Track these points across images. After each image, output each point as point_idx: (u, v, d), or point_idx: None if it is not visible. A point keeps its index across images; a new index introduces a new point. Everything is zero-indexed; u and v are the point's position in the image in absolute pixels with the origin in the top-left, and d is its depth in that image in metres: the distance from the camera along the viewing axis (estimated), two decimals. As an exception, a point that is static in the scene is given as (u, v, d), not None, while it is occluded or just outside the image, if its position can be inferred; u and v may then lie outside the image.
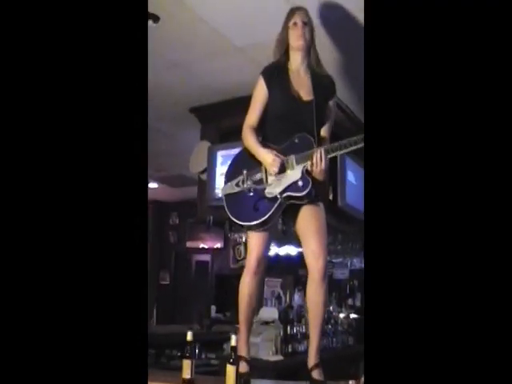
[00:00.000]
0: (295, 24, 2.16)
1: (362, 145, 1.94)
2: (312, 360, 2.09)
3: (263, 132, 2.23)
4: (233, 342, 1.86)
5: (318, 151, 2.03)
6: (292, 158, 2.10)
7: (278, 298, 3.64)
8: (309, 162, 2.04)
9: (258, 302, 2.24)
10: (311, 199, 2.12)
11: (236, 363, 1.84)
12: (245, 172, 2.16)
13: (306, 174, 2.07)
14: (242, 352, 2.13)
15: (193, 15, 2.77)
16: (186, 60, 3.29)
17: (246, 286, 2.16)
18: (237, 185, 2.17)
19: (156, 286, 7.06)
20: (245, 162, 2.21)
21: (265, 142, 2.18)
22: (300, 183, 2.08)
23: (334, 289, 4.40)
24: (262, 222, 2.09)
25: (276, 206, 2.09)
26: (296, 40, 2.17)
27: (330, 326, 3.80)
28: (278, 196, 2.09)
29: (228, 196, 2.20)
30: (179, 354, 4.26)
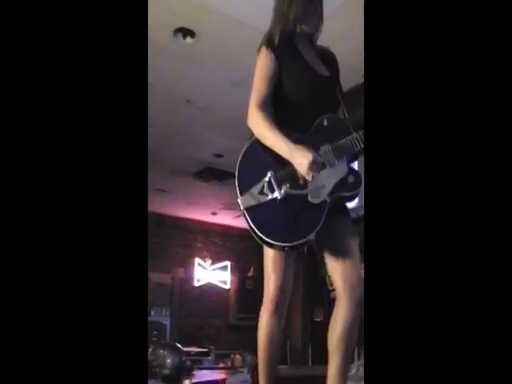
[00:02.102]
0: (311, 1, 1.68)
1: None
2: None
3: (274, 118, 1.66)
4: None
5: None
6: (327, 148, 1.61)
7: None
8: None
9: (280, 346, 1.72)
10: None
11: None
12: (270, 174, 1.59)
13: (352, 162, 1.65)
14: None
15: (229, 21, 2.58)
16: (246, 75, 3.10)
17: (264, 325, 1.66)
18: (261, 193, 1.60)
19: (310, 323, 6.79)
20: (262, 160, 1.62)
21: (285, 130, 1.61)
22: (351, 179, 1.60)
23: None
24: (305, 241, 1.58)
25: (326, 213, 1.58)
26: (310, 19, 1.70)
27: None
28: (327, 199, 1.59)
29: (252, 210, 1.59)
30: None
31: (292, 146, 1.57)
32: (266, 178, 1.58)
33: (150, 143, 1.72)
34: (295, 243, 1.56)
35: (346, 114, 1.73)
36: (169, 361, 3.06)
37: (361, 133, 1.58)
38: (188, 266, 7.32)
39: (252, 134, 1.64)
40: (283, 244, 1.57)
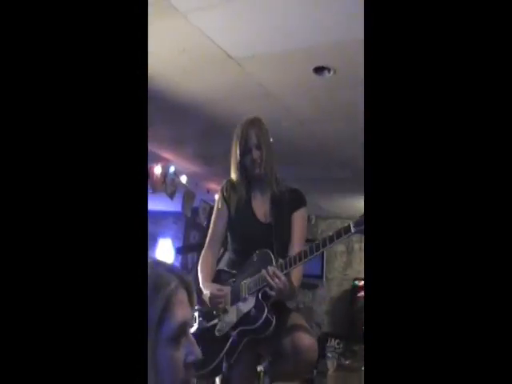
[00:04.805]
0: (249, 151, 1.84)
1: (323, 249, 1.58)
2: None
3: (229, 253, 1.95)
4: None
5: (269, 270, 1.64)
6: (246, 283, 1.74)
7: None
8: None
9: None
10: (272, 332, 1.64)
11: None
12: (196, 308, 1.81)
13: (264, 299, 1.67)
14: None
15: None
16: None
17: None
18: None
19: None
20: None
21: (222, 269, 1.90)
22: (253, 312, 1.66)
23: None
24: (210, 371, 1.67)
25: (227, 347, 1.67)
26: (252, 169, 1.87)
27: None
28: (231, 333, 1.68)
29: None
30: None
31: (204, 283, 1.80)
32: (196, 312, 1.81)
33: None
34: (197, 374, 1.61)
35: (295, 245, 1.82)
36: None
37: (272, 267, 1.64)
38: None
39: None
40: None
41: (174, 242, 6.35)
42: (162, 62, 2.48)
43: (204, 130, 3.43)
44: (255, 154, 1.83)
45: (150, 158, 4.06)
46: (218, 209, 1.96)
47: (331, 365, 2.92)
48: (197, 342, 1.70)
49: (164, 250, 6.30)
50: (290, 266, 1.63)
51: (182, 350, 0.85)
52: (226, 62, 2.42)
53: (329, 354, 3.03)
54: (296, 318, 1.80)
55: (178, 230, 6.48)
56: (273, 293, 1.62)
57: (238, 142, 1.85)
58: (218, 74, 2.59)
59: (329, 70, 2.44)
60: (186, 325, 0.86)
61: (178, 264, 5.92)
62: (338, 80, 2.51)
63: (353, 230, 1.51)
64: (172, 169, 4.27)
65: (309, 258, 1.60)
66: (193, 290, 0.89)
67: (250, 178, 1.91)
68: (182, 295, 0.85)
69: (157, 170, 4.18)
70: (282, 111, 3.02)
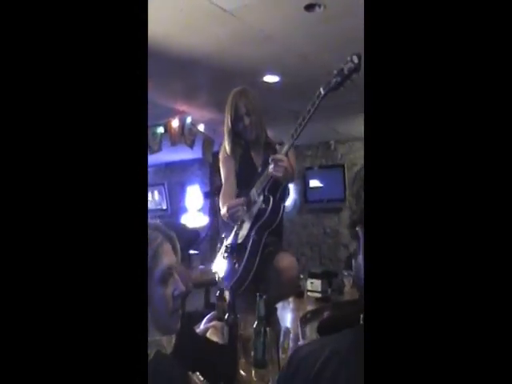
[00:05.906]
0: (241, 119, 2.11)
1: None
2: None
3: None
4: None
5: (272, 158, 1.86)
6: (255, 188, 1.97)
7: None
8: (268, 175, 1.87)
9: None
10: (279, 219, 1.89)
11: None
12: (223, 236, 2.11)
13: (270, 191, 1.92)
14: None
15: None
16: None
17: None
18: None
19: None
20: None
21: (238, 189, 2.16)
22: (262, 206, 1.88)
23: None
24: (239, 277, 1.87)
25: (249, 247, 1.90)
26: (245, 133, 2.15)
27: None
28: (251, 234, 1.90)
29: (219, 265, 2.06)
30: None
31: (222, 207, 2.07)
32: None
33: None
34: (229, 284, 1.86)
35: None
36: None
37: (272, 157, 1.86)
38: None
39: None
40: (227, 285, 1.86)
41: (201, 187, 6.69)
42: (164, 23, 2.68)
43: (213, 79, 3.61)
44: (246, 120, 2.11)
45: (166, 113, 4.29)
46: (224, 157, 2.24)
47: (347, 282, 3.26)
48: (229, 255, 1.97)
49: (193, 196, 6.66)
50: (288, 148, 1.85)
51: (170, 287, 1.07)
52: (221, 15, 2.59)
53: (345, 273, 3.35)
54: (283, 251, 2.05)
55: (204, 175, 6.80)
56: (279, 174, 1.83)
57: (230, 113, 2.12)
58: (216, 27, 2.76)
59: (319, 5, 2.59)
60: (172, 268, 1.08)
61: (207, 206, 6.31)
62: (329, 13, 2.65)
63: (322, 92, 1.68)
64: (189, 119, 4.49)
65: (298, 133, 1.78)
66: (176, 242, 1.12)
67: (245, 141, 2.19)
68: (167, 246, 1.09)
69: (174, 123, 4.41)
70: (282, 50, 3.16)
